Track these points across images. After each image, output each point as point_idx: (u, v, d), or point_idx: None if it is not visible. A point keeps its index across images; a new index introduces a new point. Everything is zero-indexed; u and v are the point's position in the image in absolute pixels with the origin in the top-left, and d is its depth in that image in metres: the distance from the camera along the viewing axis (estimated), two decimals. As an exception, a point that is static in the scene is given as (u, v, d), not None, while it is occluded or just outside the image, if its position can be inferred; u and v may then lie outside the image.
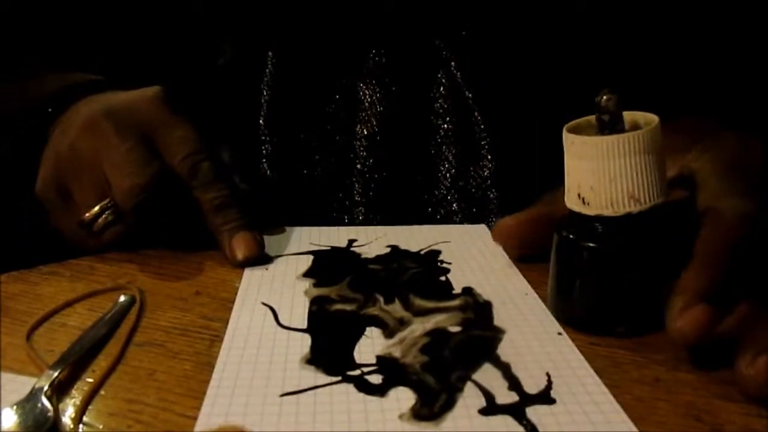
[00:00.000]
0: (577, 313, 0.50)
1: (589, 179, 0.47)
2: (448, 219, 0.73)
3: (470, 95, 0.72)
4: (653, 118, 0.48)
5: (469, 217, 0.73)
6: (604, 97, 0.47)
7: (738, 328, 0.43)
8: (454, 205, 0.73)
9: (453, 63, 0.72)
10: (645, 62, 0.69)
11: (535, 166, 0.71)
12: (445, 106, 0.72)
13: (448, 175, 0.73)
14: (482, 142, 0.72)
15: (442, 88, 0.73)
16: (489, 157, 0.72)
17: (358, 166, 0.73)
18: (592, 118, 0.49)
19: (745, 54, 0.69)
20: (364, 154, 0.73)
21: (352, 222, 0.74)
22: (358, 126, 0.73)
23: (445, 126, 0.73)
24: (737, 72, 0.69)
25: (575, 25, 0.71)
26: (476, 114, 0.72)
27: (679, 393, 0.43)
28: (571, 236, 0.49)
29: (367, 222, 0.73)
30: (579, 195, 0.48)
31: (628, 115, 0.48)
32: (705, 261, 0.45)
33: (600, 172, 0.47)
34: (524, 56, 0.72)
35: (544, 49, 0.71)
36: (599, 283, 0.49)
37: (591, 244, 0.48)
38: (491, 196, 0.72)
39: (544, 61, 0.72)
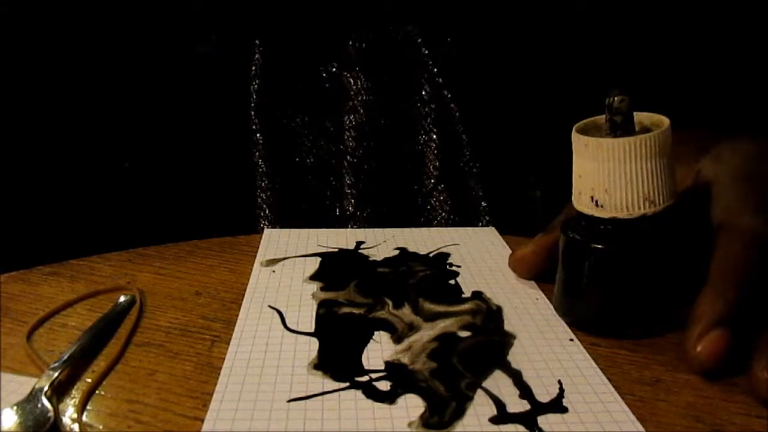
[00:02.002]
0: (588, 315, 0.50)
1: (604, 182, 0.46)
2: (438, 208, 0.73)
3: (441, 81, 0.72)
4: (660, 119, 0.48)
5: (457, 209, 0.73)
6: (617, 99, 0.46)
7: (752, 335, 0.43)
8: (443, 195, 0.73)
9: (425, 49, 0.72)
10: (629, 62, 0.69)
11: (512, 153, 0.72)
12: (430, 92, 0.72)
13: (436, 163, 0.73)
14: (458, 128, 0.72)
15: (425, 74, 0.72)
16: (467, 142, 0.72)
17: (348, 156, 0.73)
18: (598, 119, 0.48)
19: (743, 59, 0.69)
20: (353, 144, 0.73)
21: (344, 212, 0.73)
22: (347, 116, 0.73)
23: (432, 115, 0.73)
24: (731, 77, 0.69)
25: (551, 17, 0.71)
26: (449, 101, 0.72)
27: (680, 393, 0.43)
28: (580, 238, 0.49)
29: (357, 212, 0.73)
30: (592, 198, 0.47)
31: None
32: (720, 285, 0.45)
33: (617, 175, 0.46)
34: (495, 39, 0.72)
35: (519, 37, 0.71)
36: (613, 284, 0.48)
37: (604, 246, 0.48)
38: (474, 183, 0.72)
39: (519, 49, 0.72)
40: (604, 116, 0.47)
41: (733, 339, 0.43)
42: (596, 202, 0.47)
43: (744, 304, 0.44)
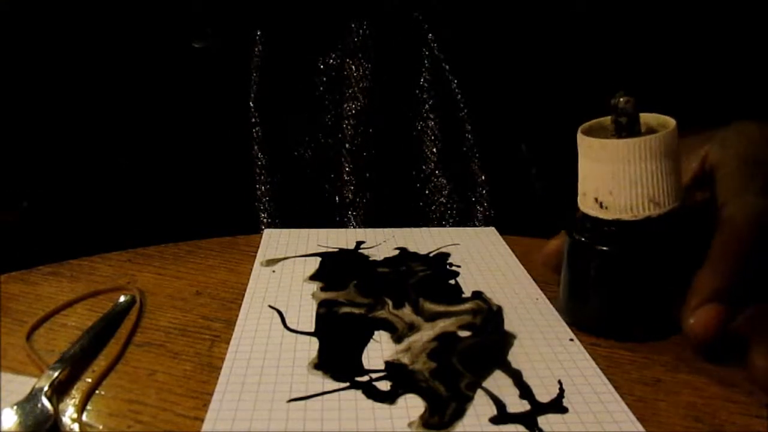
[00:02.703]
0: (593, 317, 0.49)
1: (609, 183, 0.46)
2: (436, 193, 0.73)
3: (448, 67, 0.72)
4: (666, 120, 0.47)
5: (456, 190, 0.73)
6: (622, 99, 0.46)
7: (749, 325, 0.44)
8: (442, 179, 0.73)
9: (431, 35, 0.72)
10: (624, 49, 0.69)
11: (515, 135, 0.72)
12: (429, 78, 0.73)
13: (434, 149, 0.73)
14: (461, 114, 0.72)
15: (426, 61, 0.73)
16: (470, 128, 0.72)
17: (347, 145, 0.73)
18: (604, 120, 0.48)
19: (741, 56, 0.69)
20: (352, 132, 0.73)
21: (343, 200, 0.73)
22: (346, 104, 0.73)
23: (431, 101, 0.73)
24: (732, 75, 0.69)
25: (557, 6, 0.71)
26: (455, 86, 0.72)
27: (680, 393, 0.43)
28: (585, 240, 0.48)
29: (357, 199, 0.73)
30: (596, 199, 0.47)
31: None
32: (718, 261, 0.45)
33: (620, 176, 0.45)
34: (501, 28, 0.72)
35: (520, 20, 0.71)
36: (618, 287, 0.48)
37: (608, 248, 0.47)
38: (475, 168, 0.72)
39: (521, 33, 0.72)
40: (609, 117, 0.47)
41: (728, 314, 0.43)
42: (600, 203, 0.47)
43: (742, 280, 0.44)
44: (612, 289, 0.48)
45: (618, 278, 0.48)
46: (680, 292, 0.47)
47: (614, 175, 0.46)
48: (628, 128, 0.46)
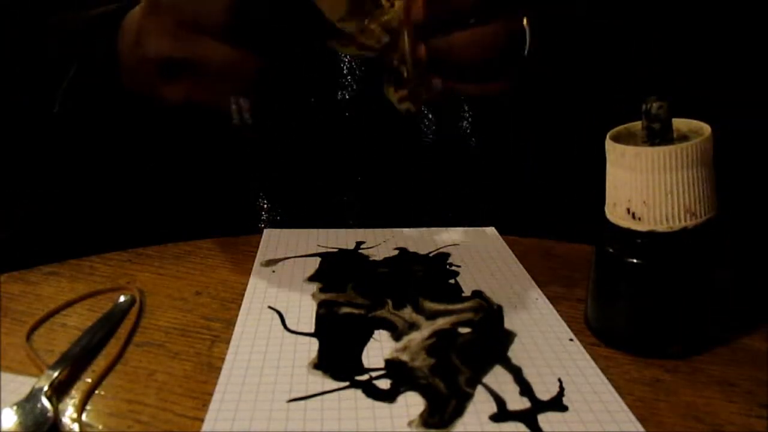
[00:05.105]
0: (625, 334, 0.47)
1: (642, 193, 0.44)
2: (433, 176, 0.73)
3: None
4: (699, 125, 0.45)
5: (453, 172, 0.73)
6: (655, 104, 0.44)
7: None
8: (440, 167, 0.73)
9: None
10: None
11: (510, 114, 0.71)
12: None
13: (429, 132, 0.73)
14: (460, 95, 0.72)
15: None
16: (466, 107, 0.72)
17: (344, 137, 0.73)
18: (632, 126, 0.46)
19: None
20: (347, 123, 0.73)
21: (338, 189, 0.73)
22: (340, 92, 0.73)
23: None
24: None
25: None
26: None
27: (679, 393, 0.43)
28: (615, 252, 0.46)
29: (352, 187, 0.73)
30: (629, 210, 0.45)
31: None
32: None
33: (656, 186, 0.44)
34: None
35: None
36: (652, 302, 0.46)
37: (641, 261, 0.45)
38: (473, 146, 0.72)
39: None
40: (637, 123, 0.46)
41: None
42: (633, 214, 0.45)
43: None
44: (646, 304, 0.46)
45: (652, 293, 0.46)
46: (717, 305, 0.46)
47: (649, 185, 0.44)
48: (661, 135, 0.44)
